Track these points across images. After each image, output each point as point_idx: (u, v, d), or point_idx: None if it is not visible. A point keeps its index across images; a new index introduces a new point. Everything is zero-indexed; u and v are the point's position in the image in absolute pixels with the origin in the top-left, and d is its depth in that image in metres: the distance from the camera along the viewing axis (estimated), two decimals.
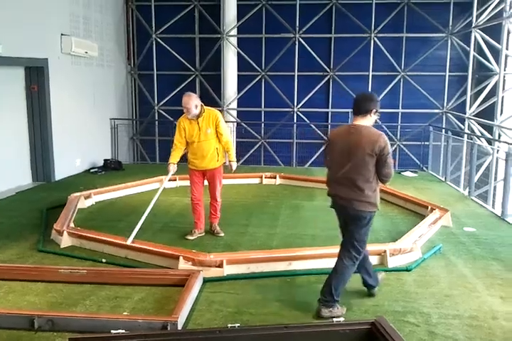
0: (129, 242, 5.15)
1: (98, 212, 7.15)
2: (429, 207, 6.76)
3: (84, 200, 7.28)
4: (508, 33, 10.14)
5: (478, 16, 10.70)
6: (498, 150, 9.47)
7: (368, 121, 3.91)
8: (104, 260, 5.04)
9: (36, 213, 6.85)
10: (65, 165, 9.62)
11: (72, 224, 5.88)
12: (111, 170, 10.44)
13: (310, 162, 12.78)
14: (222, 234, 5.91)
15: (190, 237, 5.75)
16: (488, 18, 10.40)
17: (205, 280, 4.53)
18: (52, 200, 7.45)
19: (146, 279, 4.48)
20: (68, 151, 9.73)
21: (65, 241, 5.50)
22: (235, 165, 6.00)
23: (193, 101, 5.59)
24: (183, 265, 4.73)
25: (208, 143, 5.68)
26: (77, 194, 7.31)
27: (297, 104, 12.69)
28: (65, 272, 4.53)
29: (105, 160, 10.71)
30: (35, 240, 5.70)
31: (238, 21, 12.42)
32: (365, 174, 3.80)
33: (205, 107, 5.76)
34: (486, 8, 10.60)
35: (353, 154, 3.82)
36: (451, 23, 12.03)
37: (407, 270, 4.88)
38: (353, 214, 3.88)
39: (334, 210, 4.14)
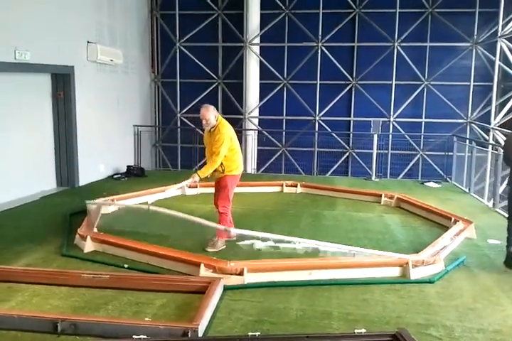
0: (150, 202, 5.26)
1: (121, 217, 7.20)
2: (453, 219, 6.68)
3: (108, 206, 7.34)
4: None
5: (504, 26, 10.57)
6: None
7: None
8: (126, 265, 5.10)
9: (60, 218, 6.96)
10: (89, 170, 9.75)
11: (95, 230, 5.95)
12: (133, 176, 10.56)
13: (331, 171, 12.74)
14: (209, 249, 5.63)
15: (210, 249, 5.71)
16: None
17: (226, 288, 4.53)
18: (75, 205, 7.54)
19: (168, 285, 4.50)
20: (92, 157, 9.87)
21: (88, 246, 5.57)
22: (196, 178, 5.64)
23: (210, 113, 5.64)
24: (204, 272, 4.75)
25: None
26: (101, 200, 7.37)
27: (319, 113, 12.68)
28: (87, 277, 4.58)
29: (128, 167, 10.83)
30: (59, 244, 5.79)
31: (261, 30, 12.50)
32: None
33: (221, 119, 5.74)
34: None
35: None
36: (476, 33, 11.92)
37: (430, 282, 4.81)
38: None
39: None
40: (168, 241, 5.87)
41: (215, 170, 5.75)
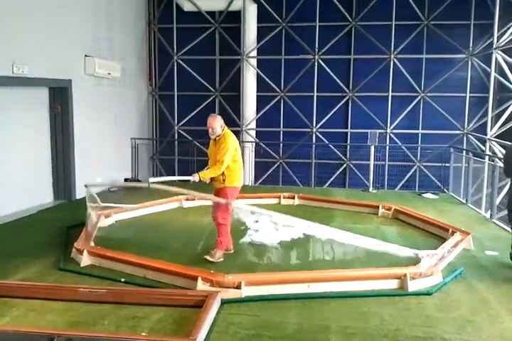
0: (150, 181, 5.41)
1: (118, 230, 7.18)
2: (450, 230, 6.67)
3: (105, 219, 7.33)
4: None
5: (499, 37, 10.67)
6: None
7: None
8: (123, 279, 5.06)
9: (57, 231, 6.94)
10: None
11: (92, 243, 5.92)
12: (131, 189, 10.51)
13: (329, 182, 12.75)
14: (208, 258, 5.64)
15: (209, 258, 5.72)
16: (509, 39, 10.36)
17: (223, 302, 4.51)
18: (72, 219, 7.52)
19: (165, 299, 4.48)
20: (89, 170, 9.84)
21: (85, 260, 5.55)
22: (195, 178, 5.61)
23: (217, 122, 5.73)
24: (202, 286, 4.73)
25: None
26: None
27: (316, 125, 12.73)
28: (84, 291, 4.55)
29: (125, 179, 10.82)
30: (56, 258, 5.76)
31: (258, 43, 12.60)
32: None
33: (227, 130, 5.82)
34: (507, 29, 10.58)
35: None
36: (471, 44, 12.02)
37: (428, 294, 4.80)
38: None
39: None
40: (166, 253, 5.85)
41: (215, 180, 5.77)
